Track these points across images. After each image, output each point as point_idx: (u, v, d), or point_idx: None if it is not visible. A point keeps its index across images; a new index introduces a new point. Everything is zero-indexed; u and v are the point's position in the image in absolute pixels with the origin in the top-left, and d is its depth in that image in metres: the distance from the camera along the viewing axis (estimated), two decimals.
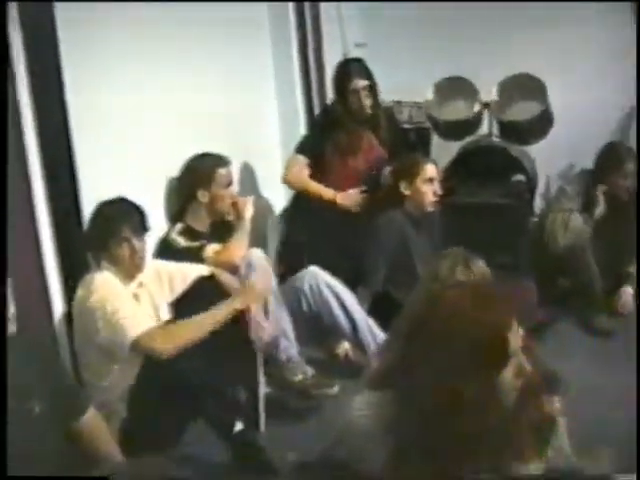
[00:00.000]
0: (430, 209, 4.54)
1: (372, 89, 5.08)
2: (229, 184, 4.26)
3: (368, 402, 2.22)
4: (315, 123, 5.55)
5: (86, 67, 3.59)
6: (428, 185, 4.51)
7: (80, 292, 3.44)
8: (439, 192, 4.54)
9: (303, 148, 5.06)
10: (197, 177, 4.22)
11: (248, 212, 4.23)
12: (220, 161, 4.24)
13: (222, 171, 4.22)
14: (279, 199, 5.54)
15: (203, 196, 4.19)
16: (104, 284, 3.43)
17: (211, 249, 4.05)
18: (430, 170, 4.54)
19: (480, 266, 2.95)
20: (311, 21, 5.96)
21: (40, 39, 3.34)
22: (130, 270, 3.55)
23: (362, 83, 5.04)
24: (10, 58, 3.20)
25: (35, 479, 1.98)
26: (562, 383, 2.34)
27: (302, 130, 5.75)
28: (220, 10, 4.64)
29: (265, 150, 5.60)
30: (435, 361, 2.01)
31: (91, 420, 2.94)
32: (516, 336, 2.03)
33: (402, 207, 4.50)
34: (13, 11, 3.21)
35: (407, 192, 4.50)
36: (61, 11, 3.37)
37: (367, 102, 5.05)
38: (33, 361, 2.77)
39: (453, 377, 1.97)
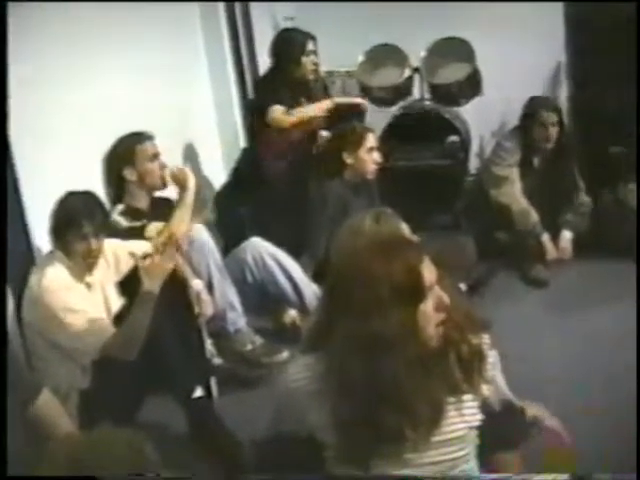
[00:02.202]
0: (370, 177, 4.62)
1: (315, 55, 5.21)
2: (154, 157, 4.19)
3: (303, 365, 2.26)
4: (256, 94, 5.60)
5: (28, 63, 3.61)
6: (369, 154, 4.58)
7: (32, 282, 3.43)
8: (379, 160, 4.61)
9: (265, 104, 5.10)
10: (119, 156, 4.18)
11: (191, 181, 4.22)
12: (139, 137, 4.18)
13: (142, 146, 4.16)
14: (220, 177, 5.61)
15: (131, 174, 4.14)
16: (54, 284, 3.41)
17: (154, 227, 4.06)
18: (371, 139, 4.61)
19: (391, 222, 3.01)
20: None
21: None
22: (81, 267, 3.53)
23: (310, 47, 5.19)
24: None
25: (35, 479, 1.98)
26: (488, 322, 2.42)
27: (236, 106, 5.80)
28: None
29: (203, 129, 5.65)
30: (355, 307, 2.07)
31: (46, 402, 2.99)
32: (430, 271, 2.10)
33: (342, 175, 4.57)
34: None
35: (349, 161, 4.56)
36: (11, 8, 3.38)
37: (314, 66, 5.21)
38: None
39: (373, 318, 2.03)
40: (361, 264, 2.11)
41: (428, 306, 2.08)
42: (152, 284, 3.29)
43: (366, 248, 2.19)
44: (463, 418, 2.18)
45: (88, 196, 3.55)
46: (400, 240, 2.36)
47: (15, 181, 3.52)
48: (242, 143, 5.89)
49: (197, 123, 5.60)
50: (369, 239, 2.34)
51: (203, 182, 5.33)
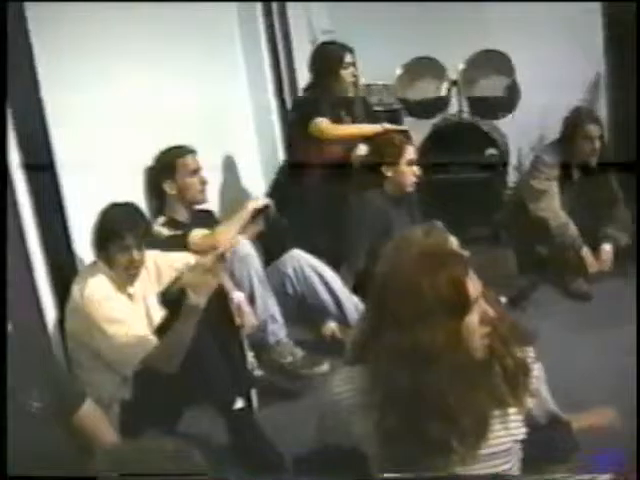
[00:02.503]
0: (410, 189, 4.62)
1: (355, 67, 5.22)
2: (194, 172, 4.26)
3: (347, 377, 2.27)
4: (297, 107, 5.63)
5: (59, 65, 3.63)
6: (409, 166, 4.58)
7: (75, 291, 3.46)
8: (418, 172, 4.61)
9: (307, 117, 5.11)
10: (159, 169, 4.27)
11: (252, 204, 4.34)
12: (181, 151, 4.26)
13: (183, 160, 4.23)
14: (258, 189, 5.63)
15: (171, 188, 4.24)
16: (96, 294, 3.43)
17: (197, 232, 4.12)
18: (410, 151, 4.61)
19: (440, 235, 3.02)
20: (278, 9, 6.02)
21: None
22: (123, 278, 3.56)
23: (350, 59, 5.20)
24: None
25: (35, 479, 2.02)
26: (533, 335, 2.42)
27: (275, 118, 5.83)
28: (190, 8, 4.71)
29: (241, 141, 5.67)
30: (401, 319, 2.07)
31: (89, 411, 3.02)
32: (475, 284, 2.11)
33: (382, 187, 4.57)
34: None
35: (389, 174, 4.55)
36: (32, 10, 3.41)
37: (353, 79, 5.21)
38: (29, 359, 2.84)
39: (419, 331, 2.04)
40: (408, 276, 2.12)
41: (473, 319, 2.09)
42: (198, 299, 3.24)
43: (413, 260, 2.20)
44: (508, 431, 2.18)
45: (130, 207, 3.58)
46: (447, 253, 2.37)
47: (58, 191, 3.57)
48: (281, 155, 5.93)
49: (236, 135, 5.63)
50: (416, 252, 2.35)
51: (242, 194, 5.36)
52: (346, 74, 5.18)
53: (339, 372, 2.40)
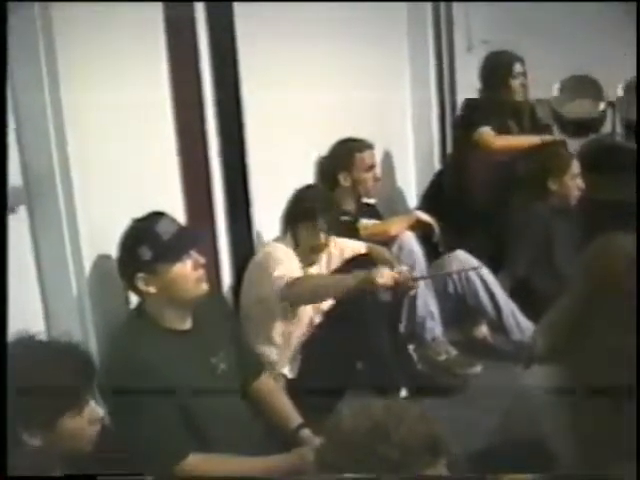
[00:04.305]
0: (573, 203, 4.65)
1: (524, 77, 5.26)
2: (370, 168, 4.41)
3: (542, 375, 2.32)
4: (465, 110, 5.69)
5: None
6: (573, 180, 4.61)
7: (257, 258, 3.66)
8: (582, 187, 4.63)
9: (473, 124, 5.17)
10: (338, 161, 4.41)
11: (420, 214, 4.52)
12: (360, 145, 4.40)
13: (361, 155, 4.38)
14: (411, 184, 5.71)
15: (345, 180, 4.37)
16: (283, 252, 3.60)
17: (364, 224, 4.27)
18: (576, 166, 4.64)
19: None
20: (445, 15, 6.11)
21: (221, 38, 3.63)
22: (305, 259, 3.70)
23: (519, 69, 5.23)
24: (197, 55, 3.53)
25: (35, 479, 2.04)
26: None
27: (434, 123, 5.91)
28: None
29: (399, 141, 5.78)
30: (612, 319, 2.13)
31: (269, 381, 3.14)
32: None
33: (546, 200, 4.59)
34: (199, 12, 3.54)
35: (554, 187, 4.59)
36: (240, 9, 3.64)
37: (522, 89, 5.24)
38: (220, 321, 2.99)
39: (631, 330, 2.08)
40: (618, 279, 2.17)
41: None
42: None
43: (622, 263, 2.25)
44: None
45: (324, 192, 3.72)
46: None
47: (245, 170, 3.73)
48: (437, 160, 6.00)
49: (393, 132, 5.73)
50: (623, 255, 2.39)
51: (396, 193, 5.45)
52: (515, 84, 5.21)
53: (529, 371, 2.45)
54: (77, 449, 2.09)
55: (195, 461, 2.60)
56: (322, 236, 3.64)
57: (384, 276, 3.39)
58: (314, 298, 3.56)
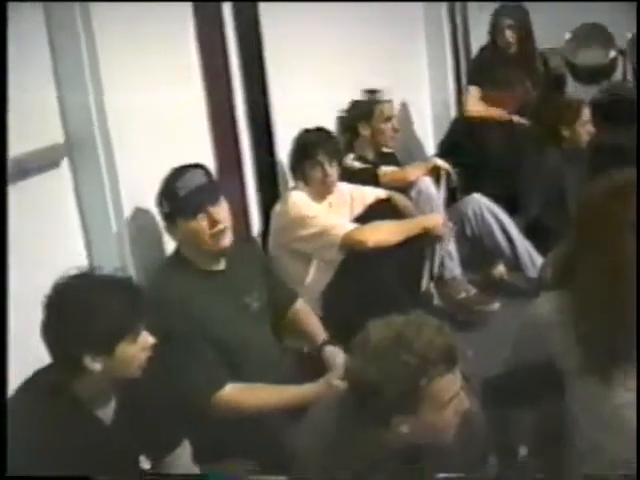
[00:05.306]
0: (584, 147, 4.84)
1: (519, 29, 5.41)
2: (389, 119, 4.63)
3: (548, 299, 2.43)
4: (475, 61, 5.87)
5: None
6: (584, 126, 4.80)
7: (278, 208, 3.87)
8: (592, 132, 4.83)
9: (472, 80, 5.44)
10: (358, 112, 4.64)
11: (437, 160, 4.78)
12: (380, 97, 4.64)
13: (381, 107, 4.61)
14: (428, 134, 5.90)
15: (364, 129, 4.59)
16: (298, 201, 3.82)
17: (384, 170, 4.47)
18: (586, 113, 4.83)
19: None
20: None
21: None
22: (320, 191, 3.93)
23: (507, 22, 5.42)
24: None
25: (35, 479, 2.06)
26: None
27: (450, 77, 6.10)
28: None
29: (416, 91, 5.97)
30: (604, 242, 2.25)
31: (303, 305, 3.36)
32: None
33: (559, 146, 4.79)
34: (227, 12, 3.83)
35: (566, 133, 4.78)
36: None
37: (510, 40, 5.43)
38: (252, 263, 3.19)
39: (618, 250, 2.21)
40: (609, 206, 2.34)
41: None
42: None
43: (610, 194, 2.42)
44: None
45: (320, 130, 3.98)
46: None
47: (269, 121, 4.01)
48: (453, 109, 6.18)
49: (410, 85, 5.91)
50: (613, 186, 2.56)
51: (414, 143, 5.64)
52: (507, 35, 5.42)
53: (540, 296, 2.62)
54: (129, 374, 2.26)
55: (232, 390, 2.76)
56: (327, 167, 3.86)
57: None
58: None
